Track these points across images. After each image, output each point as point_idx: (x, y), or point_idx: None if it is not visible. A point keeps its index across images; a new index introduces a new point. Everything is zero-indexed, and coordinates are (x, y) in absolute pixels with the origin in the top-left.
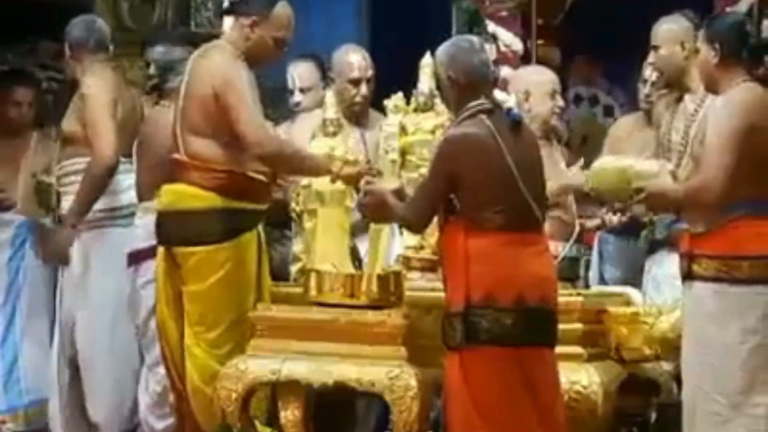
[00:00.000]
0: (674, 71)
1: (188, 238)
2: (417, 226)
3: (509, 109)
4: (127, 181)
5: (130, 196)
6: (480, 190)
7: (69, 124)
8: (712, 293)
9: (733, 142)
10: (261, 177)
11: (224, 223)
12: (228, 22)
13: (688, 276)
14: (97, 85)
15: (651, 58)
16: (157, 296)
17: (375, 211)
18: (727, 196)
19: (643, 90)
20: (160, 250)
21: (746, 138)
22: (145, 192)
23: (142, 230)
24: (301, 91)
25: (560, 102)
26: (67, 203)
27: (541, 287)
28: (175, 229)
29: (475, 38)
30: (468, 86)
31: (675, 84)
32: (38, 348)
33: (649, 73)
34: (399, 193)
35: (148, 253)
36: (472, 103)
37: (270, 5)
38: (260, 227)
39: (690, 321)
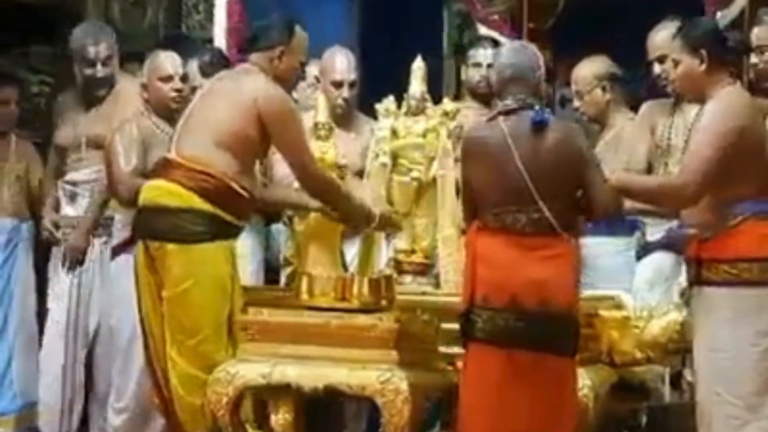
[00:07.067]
0: None
1: (161, 234)
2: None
3: (535, 112)
4: None
5: None
6: (483, 191)
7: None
8: (724, 297)
9: (718, 146)
10: (244, 193)
11: (197, 225)
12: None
13: (696, 281)
14: None
15: (658, 69)
16: (139, 290)
17: None
18: (698, 201)
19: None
20: (139, 245)
21: (738, 139)
22: None
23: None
24: None
25: None
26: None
27: (540, 291)
28: (152, 224)
29: (519, 43)
30: (498, 87)
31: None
32: (29, 352)
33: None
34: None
35: (122, 248)
36: (500, 104)
37: (291, 33)
38: (234, 244)
39: (701, 326)
